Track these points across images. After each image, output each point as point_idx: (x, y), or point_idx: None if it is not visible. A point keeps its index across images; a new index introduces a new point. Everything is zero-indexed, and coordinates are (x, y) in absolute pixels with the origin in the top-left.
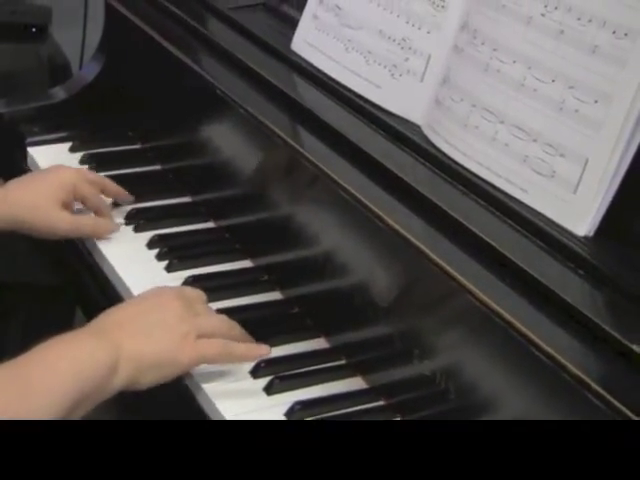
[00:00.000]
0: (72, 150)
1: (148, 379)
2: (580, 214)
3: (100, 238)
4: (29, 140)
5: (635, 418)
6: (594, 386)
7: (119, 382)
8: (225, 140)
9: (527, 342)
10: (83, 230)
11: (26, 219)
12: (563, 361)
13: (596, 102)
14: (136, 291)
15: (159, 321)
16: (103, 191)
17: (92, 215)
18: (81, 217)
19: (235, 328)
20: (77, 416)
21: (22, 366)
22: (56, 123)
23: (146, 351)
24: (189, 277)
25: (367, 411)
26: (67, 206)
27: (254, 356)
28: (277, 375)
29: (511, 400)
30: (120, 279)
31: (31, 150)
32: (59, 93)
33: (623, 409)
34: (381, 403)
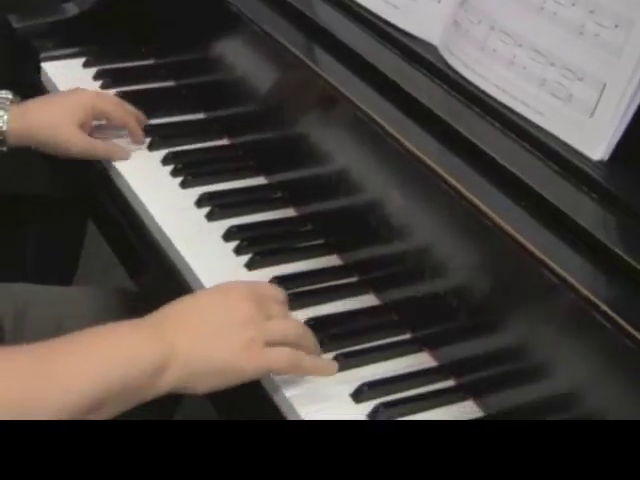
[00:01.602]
0: (86, 65)
1: (205, 384)
2: (595, 138)
3: (114, 160)
4: (43, 55)
5: None
6: (604, 308)
7: (166, 384)
8: (239, 57)
9: (539, 264)
10: (97, 151)
11: (39, 138)
12: (574, 283)
13: (616, 27)
14: (150, 206)
15: (224, 323)
16: None
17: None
18: (97, 139)
19: (307, 337)
20: (106, 415)
21: (53, 352)
22: (69, 38)
23: (203, 355)
24: (204, 194)
25: (380, 326)
26: (85, 128)
27: (323, 374)
28: (290, 292)
29: (522, 319)
30: (134, 194)
31: (45, 65)
32: (72, 8)
33: (632, 331)
34: (395, 318)
